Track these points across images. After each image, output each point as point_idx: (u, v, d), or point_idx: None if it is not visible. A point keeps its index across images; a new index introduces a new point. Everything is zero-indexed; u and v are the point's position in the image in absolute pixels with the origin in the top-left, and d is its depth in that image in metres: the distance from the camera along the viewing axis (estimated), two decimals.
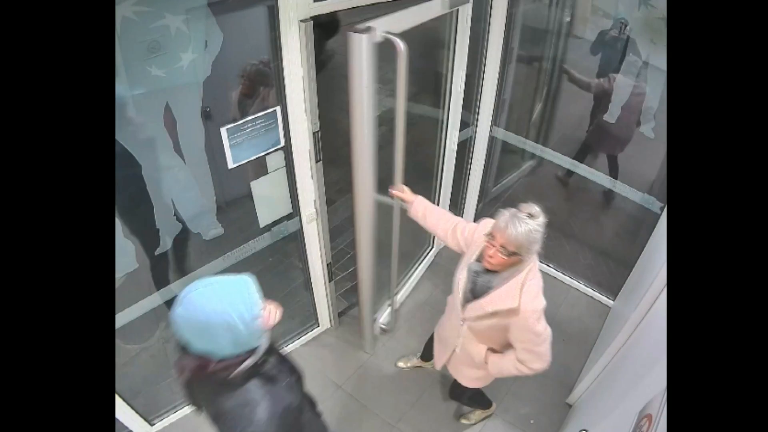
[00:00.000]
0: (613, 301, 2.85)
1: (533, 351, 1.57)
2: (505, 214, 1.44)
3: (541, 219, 1.42)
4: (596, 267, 3.07)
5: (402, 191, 1.97)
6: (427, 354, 2.31)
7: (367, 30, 1.58)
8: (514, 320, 1.51)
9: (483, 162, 2.93)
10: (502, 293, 1.50)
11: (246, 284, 1.06)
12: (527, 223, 1.39)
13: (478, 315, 1.58)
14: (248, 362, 1.08)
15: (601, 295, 2.93)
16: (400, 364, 2.59)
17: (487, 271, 1.56)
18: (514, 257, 1.45)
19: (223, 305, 1.01)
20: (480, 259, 1.58)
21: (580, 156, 2.88)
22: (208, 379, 1.09)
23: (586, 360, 2.55)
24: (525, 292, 1.47)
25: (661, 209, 2.50)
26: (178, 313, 1.03)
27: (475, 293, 1.61)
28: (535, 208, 1.43)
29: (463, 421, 2.37)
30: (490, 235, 1.48)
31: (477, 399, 2.25)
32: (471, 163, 2.94)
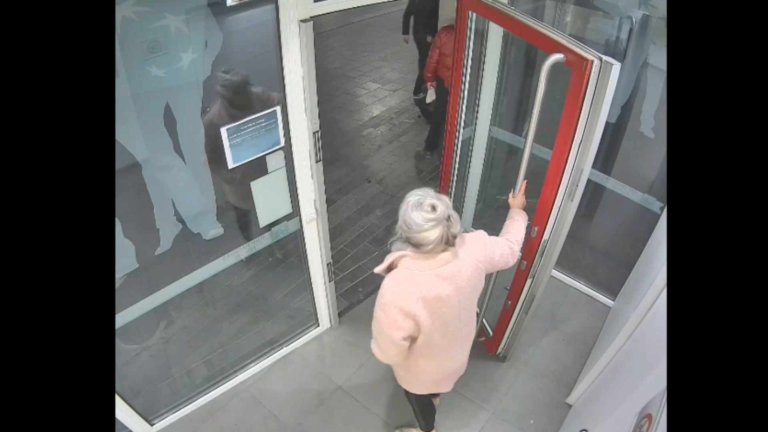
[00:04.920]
0: (613, 301, 2.85)
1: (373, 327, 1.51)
2: (420, 193, 1.36)
3: (425, 214, 1.31)
4: (596, 267, 3.06)
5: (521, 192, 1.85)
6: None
7: None
8: None
9: (482, 161, 2.93)
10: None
11: None
12: (414, 205, 1.33)
13: None
14: None
15: (601, 295, 2.93)
16: None
17: None
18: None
19: None
20: None
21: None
22: None
23: (586, 360, 2.55)
24: (391, 274, 1.44)
25: (661, 209, 2.49)
26: None
27: None
28: (433, 201, 1.32)
29: None
30: None
31: (416, 409, 2.10)
32: (470, 162, 2.95)
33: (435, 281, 1.40)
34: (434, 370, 1.71)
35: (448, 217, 1.35)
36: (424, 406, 2.08)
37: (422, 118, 4.73)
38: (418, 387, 1.82)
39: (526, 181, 1.87)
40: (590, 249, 3.16)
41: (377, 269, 1.48)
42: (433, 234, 1.32)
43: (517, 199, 1.88)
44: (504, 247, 1.64)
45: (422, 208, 1.32)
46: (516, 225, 1.77)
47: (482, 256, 1.52)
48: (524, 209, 1.88)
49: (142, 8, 1.61)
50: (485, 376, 2.52)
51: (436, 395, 2.31)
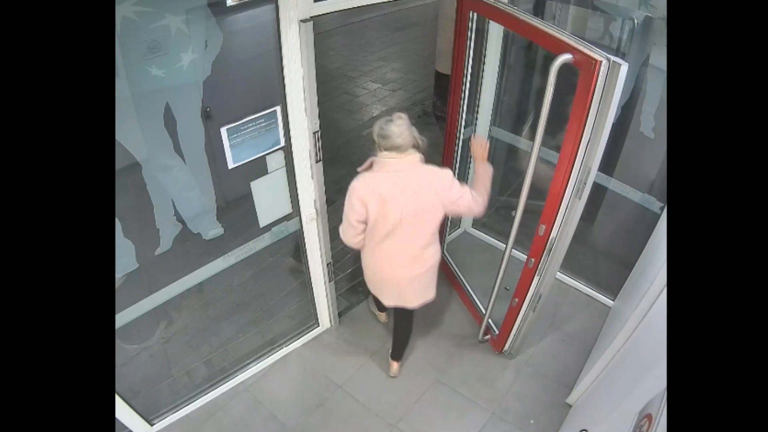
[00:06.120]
0: (613, 301, 2.85)
1: None
2: (383, 117, 1.82)
3: (397, 122, 1.76)
4: (596, 267, 3.06)
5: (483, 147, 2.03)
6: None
7: None
8: None
9: None
10: None
11: None
12: (386, 122, 1.78)
13: None
14: None
15: (601, 295, 2.93)
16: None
17: None
18: None
19: None
20: None
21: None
22: None
23: (586, 360, 2.55)
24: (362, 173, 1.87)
25: (661, 209, 2.49)
26: None
27: None
28: (398, 113, 1.79)
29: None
30: None
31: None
32: (470, 162, 2.95)
33: (386, 183, 1.80)
34: (372, 264, 2.06)
35: (410, 124, 1.81)
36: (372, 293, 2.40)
37: (422, 118, 4.74)
38: (366, 275, 2.16)
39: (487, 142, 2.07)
40: (590, 249, 3.16)
41: (360, 168, 1.87)
42: (406, 137, 1.77)
43: (478, 152, 2.04)
44: (467, 194, 1.88)
45: (394, 121, 1.77)
46: (481, 182, 1.97)
47: (436, 185, 1.83)
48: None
49: (142, 8, 1.61)
50: (485, 376, 2.52)
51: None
